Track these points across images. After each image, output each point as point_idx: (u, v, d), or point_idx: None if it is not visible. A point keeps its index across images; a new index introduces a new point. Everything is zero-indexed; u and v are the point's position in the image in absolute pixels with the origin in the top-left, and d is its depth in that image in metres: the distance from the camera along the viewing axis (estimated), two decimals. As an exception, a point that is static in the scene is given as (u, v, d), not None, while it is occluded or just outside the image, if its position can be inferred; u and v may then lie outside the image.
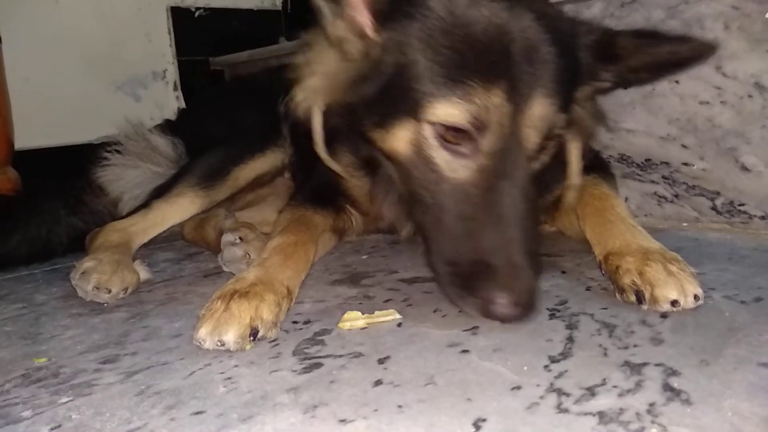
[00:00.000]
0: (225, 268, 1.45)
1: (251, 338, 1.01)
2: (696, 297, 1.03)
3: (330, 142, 1.27)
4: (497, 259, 0.97)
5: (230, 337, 0.99)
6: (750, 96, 1.46)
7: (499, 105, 0.99)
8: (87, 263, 1.36)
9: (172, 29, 3.01)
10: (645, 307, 1.04)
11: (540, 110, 1.02)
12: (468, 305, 1.01)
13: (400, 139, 1.06)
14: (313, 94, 1.18)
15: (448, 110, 0.99)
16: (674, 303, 1.02)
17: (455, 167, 1.03)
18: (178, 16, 3.01)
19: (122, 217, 1.66)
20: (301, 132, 1.80)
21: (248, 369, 0.95)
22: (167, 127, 2.02)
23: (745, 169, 1.49)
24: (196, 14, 3.06)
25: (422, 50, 1.01)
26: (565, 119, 1.09)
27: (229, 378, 0.92)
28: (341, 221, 1.54)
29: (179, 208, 1.66)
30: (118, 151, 1.90)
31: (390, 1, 1.05)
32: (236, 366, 0.96)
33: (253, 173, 1.75)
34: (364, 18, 1.08)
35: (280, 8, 3.32)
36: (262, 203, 1.88)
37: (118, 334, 1.15)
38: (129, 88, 2.93)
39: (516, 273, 0.97)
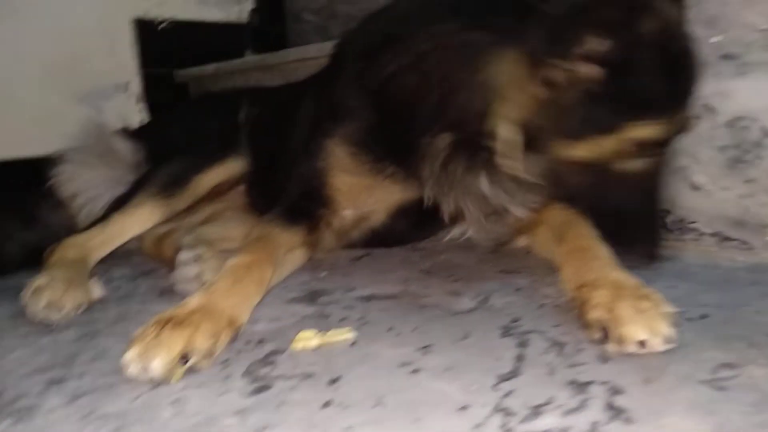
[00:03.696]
0: (177, 288, 1.42)
1: (182, 362, 0.97)
2: (666, 337, 0.95)
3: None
4: (652, 224, 1.31)
5: (156, 364, 0.95)
6: (700, 117, 1.50)
7: (677, 123, 1.22)
8: (39, 281, 1.33)
9: (135, 41, 2.97)
10: (610, 347, 0.97)
11: (687, 114, 1.25)
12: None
13: (588, 148, 1.21)
14: (509, 119, 1.26)
15: (649, 131, 1.18)
16: (642, 343, 0.95)
17: (631, 166, 1.23)
18: (143, 28, 2.98)
19: (80, 231, 1.64)
20: (264, 141, 1.83)
21: (197, 391, 0.93)
22: (128, 133, 2.01)
23: (695, 187, 1.53)
24: (161, 26, 3.04)
25: (632, 84, 1.16)
26: None
27: (177, 400, 0.91)
28: (314, 235, 1.52)
29: (138, 219, 1.64)
30: (77, 149, 1.87)
31: (624, 56, 1.14)
32: (184, 388, 0.94)
33: (214, 181, 1.77)
34: (592, 66, 1.17)
35: (246, 22, 3.30)
36: (221, 218, 1.86)
37: (67, 354, 1.12)
38: (91, 100, 2.88)
39: (659, 236, 1.31)
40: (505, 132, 1.26)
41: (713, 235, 1.53)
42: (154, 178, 1.68)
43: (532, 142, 1.26)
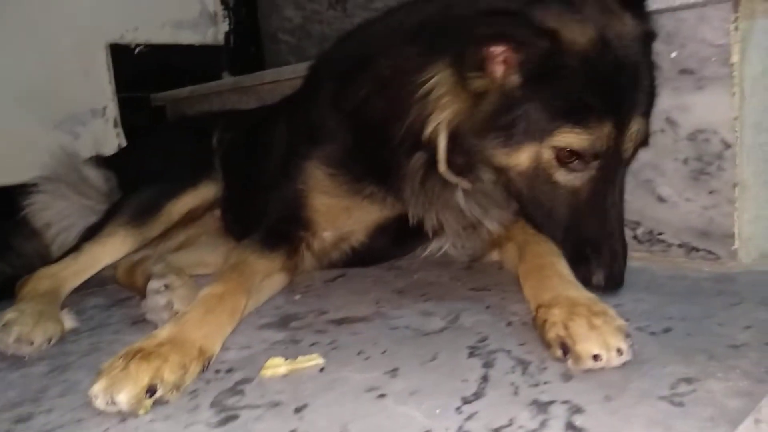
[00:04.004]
0: (147, 317, 1.42)
1: (148, 395, 0.97)
2: (619, 351, 0.98)
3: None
4: (600, 247, 1.26)
5: (123, 397, 0.95)
6: (662, 131, 1.53)
7: (609, 133, 1.22)
8: (8, 315, 1.33)
9: (111, 66, 2.98)
10: (570, 363, 0.99)
11: (637, 128, 1.26)
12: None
13: (522, 157, 1.26)
14: (443, 124, 1.31)
15: (570, 139, 1.21)
16: (596, 357, 0.97)
17: (569, 179, 1.27)
18: (118, 52, 2.99)
19: (53, 262, 1.64)
20: (237, 165, 1.84)
21: (163, 424, 0.94)
22: (100, 161, 2.01)
23: (661, 199, 1.56)
24: (136, 51, 3.05)
25: (553, 93, 1.21)
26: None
27: (143, 434, 0.91)
28: (294, 259, 1.52)
29: (111, 249, 1.65)
30: (49, 179, 1.88)
31: (537, 65, 1.20)
32: (152, 421, 0.95)
33: (186, 207, 1.78)
34: (508, 75, 1.23)
35: (222, 44, 3.33)
36: (196, 243, 1.87)
37: (36, 389, 1.12)
38: (67, 125, 2.89)
39: (614, 258, 1.26)
40: (443, 140, 1.31)
41: (680, 246, 1.55)
42: (126, 207, 1.69)
43: (473, 151, 1.30)
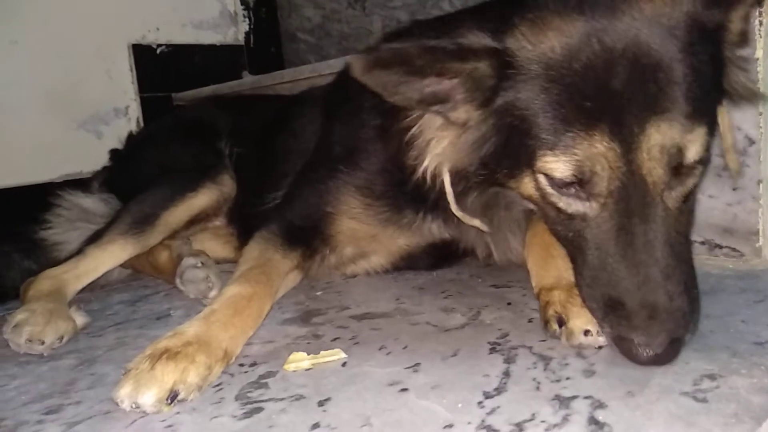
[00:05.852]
0: (181, 287, 1.50)
1: (168, 401, 0.97)
2: None
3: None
4: (631, 298, 0.97)
5: (147, 399, 0.96)
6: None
7: (604, 149, 0.96)
8: (19, 315, 1.36)
9: (133, 66, 3.02)
10: (564, 340, 1.07)
11: (659, 139, 0.95)
12: (605, 332, 1.02)
13: (526, 185, 1.10)
14: (439, 161, 1.21)
15: (552, 165, 1.00)
16: (587, 332, 1.05)
17: (578, 209, 1.04)
18: (140, 53, 3.03)
19: (56, 264, 1.66)
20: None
21: (189, 416, 0.95)
22: (94, 183, 2.06)
23: (683, 196, 1.55)
24: (158, 51, 3.08)
25: (530, 107, 1.02)
26: (706, 133, 0.99)
27: (170, 426, 0.93)
28: (308, 262, 1.51)
29: (111, 255, 1.68)
30: (60, 214, 1.92)
31: (489, 89, 1.06)
32: (178, 413, 0.97)
33: (185, 215, 1.78)
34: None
35: (242, 43, 3.35)
36: (203, 233, 1.91)
37: (65, 382, 1.15)
38: (91, 125, 2.93)
39: (652, 315, 0.95)
40: (447, 178, 1.22)
41: (703, 243, 1.54)
42: (125, 215, 1.72)
43: (483, 180, 1.18)
